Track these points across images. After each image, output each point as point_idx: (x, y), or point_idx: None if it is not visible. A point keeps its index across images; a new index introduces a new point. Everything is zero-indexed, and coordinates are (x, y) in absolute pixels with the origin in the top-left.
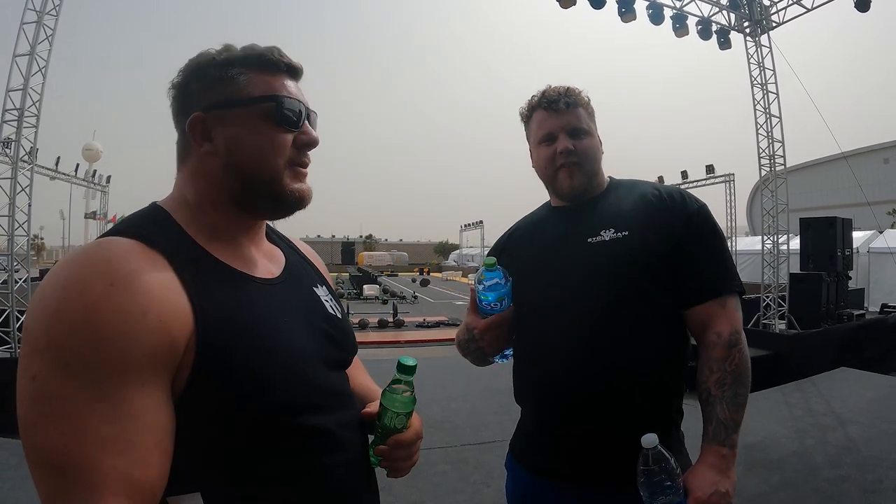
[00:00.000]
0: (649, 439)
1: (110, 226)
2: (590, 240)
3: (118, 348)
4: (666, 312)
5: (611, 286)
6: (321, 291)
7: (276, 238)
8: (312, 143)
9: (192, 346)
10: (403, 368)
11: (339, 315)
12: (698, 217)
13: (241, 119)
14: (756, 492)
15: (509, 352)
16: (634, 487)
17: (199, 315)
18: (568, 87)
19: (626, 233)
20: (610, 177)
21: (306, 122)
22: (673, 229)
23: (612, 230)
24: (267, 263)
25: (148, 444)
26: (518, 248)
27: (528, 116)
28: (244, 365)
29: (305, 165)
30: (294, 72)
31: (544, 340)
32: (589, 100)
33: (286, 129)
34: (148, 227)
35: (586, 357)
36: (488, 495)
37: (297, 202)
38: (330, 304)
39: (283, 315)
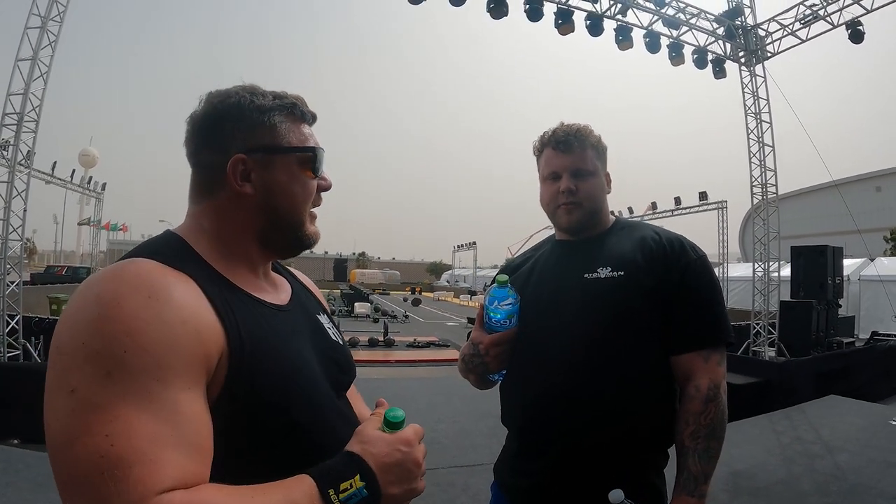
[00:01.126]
0: (616, 495)
1: (104, 233)
2: (586, 275)
3: (161, 354)
4: (654, 355)
5: (601, 322)
6: (323, 319)
7: (280, 269)
8: (329, 187)
9: (225, 360)
10: (392, 424)
11: (341, 342)
12: (696, 266)
13: (282, 165)
14: None
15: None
16: None
17: (229, 332)
18: (578, 128)
19: (622, 273)
20: (616, 217)
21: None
22: (669, 276)
23: (609, 268)
24: (275, 291)
25: (196, 442)
26: (525, 276)
27: (539, 151)
28: (270, 382)
29: (318, 206)
30: (314, 120)
31: (535, 367)
32: (600, 138)
33: (314, 176)
34: (168, 251)
35: (572, 387)
36: None
37: (312, 244)
38: (332, 332)
39: (295, 339)
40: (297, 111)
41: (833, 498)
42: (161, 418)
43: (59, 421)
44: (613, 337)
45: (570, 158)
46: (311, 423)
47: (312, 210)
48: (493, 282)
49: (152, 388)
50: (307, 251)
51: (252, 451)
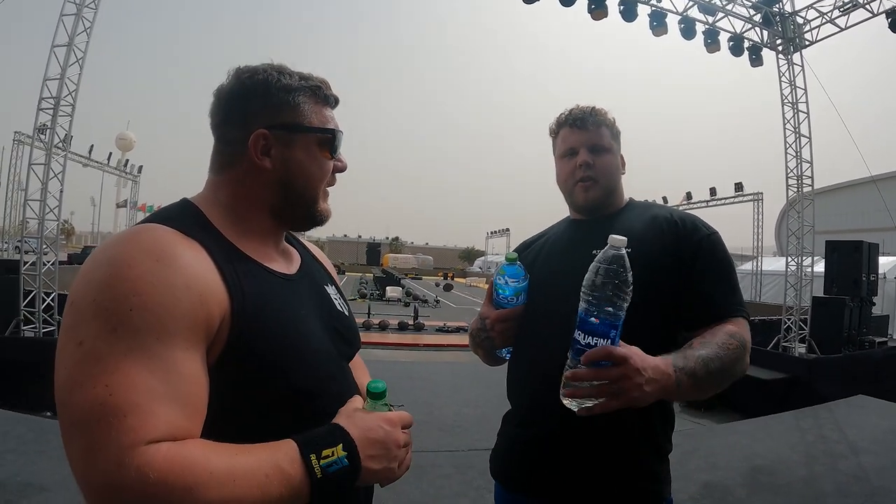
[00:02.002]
0: (618, 240)
1: (140, 215)
2: (594, 252)
3: (164, 315)
4: (661, 332)
5: None
6: (331, 290)
7: (293, 240)
8: (344, 169)
9: (227, 324)
10: (374, 394)
11: (346, 312)
12: (708, 243)
13: (302, 144)
14: None
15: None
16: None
17: (233, 297)
18: (594, 107)
19: (629, 249)
20: (630, 198)
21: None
22: (681, 253)
23: None
24: (285, 261)
25: (190, 400)
26: (534, 254)
27: (555, 132)
28: (270, 347)
29: (332, 186)
30: (336, 104)
31: (542, 345)
32: (614, 121)
33: (331, 156)
34: (183, 219)
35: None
36: (491, 501)
37: (322, 220)
38: (338, 302)
39: (301, 307)
40: (320, 93)
41: (854, 499)
42: (158, 375)
43: (66, 369)
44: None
45: (587, 135)
46: (310, 389)
47: (327, 189)
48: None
49: (153, 346)
50: (338, 234)
51: (249, 412)
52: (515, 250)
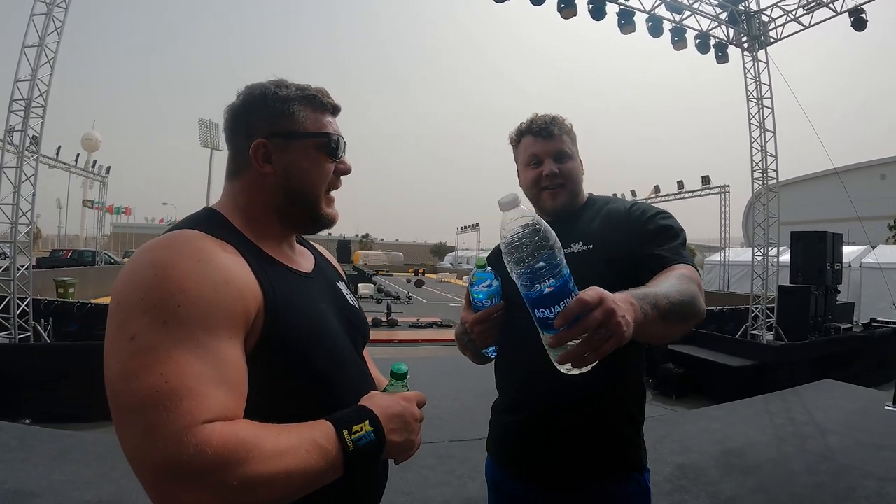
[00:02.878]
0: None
1: (108, 215)
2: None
3: (207, 308)
4: None
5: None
6: (342, 286)
7: (304, 241)
8: (348, 171)
9: (262, 316)
10: (397, 375)
11: (357, 306)
12: (655, 217)
13: (299, 149)
14: (731, 495)
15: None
16: (581, 488)
17: (265, 292)
18: (553, 116)
19: (592, 246)
20: (590, 193)
21: (343, 153)
22: (632, 236)
23: (581, 243)
24: (302, 261)
25: (235, 384)
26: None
27: (516, 141)
28: (298, 337)
29: (337, 188)
30: (336, 111)
31: (521, 345)
32: (572, 127)
33: (331, 159)
34: (210, 224)
35: (547, 360)
36: (473, 488)
37: (328, 224)
38: (349, 297)
39: (320, 302)
40: (317, 101)
41: (821, 477)
42: (206, 362)
43: (119, 363)
44: None
45: (552, 143)
46: (332, 375)
47: (331, 193)
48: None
49: (200, 337)
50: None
51: (281, 396)
52: (493, 251)
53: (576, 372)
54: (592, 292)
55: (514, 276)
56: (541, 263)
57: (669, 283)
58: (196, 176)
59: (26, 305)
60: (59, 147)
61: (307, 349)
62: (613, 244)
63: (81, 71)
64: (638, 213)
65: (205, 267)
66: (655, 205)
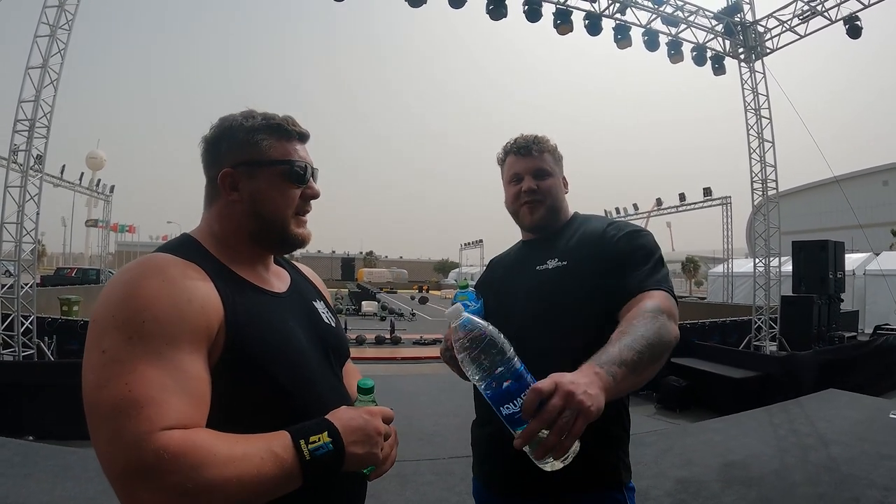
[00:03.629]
0: (453, 311)
1: (113, 234)
2: (538, 267)
3: (170, 324)
4: (603, 333)
5: (550, 309)
6: (319, 305)
7: (283, 261)
8: (315, 196)
9: (223, 330)
10: (363, 390)
11: (333, 325)
12: (630, 237)
13: (263, 176)
14: None
15: None
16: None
17: (227, 309)
18: (536, 136)
19: (566, 262)
20: (576, 212)
21: (311, 178)
22: (606, 254)
23: (556, 259)
24: (276, 281)
25: (196, 394)
26: (492, 276)
27: (502, 160)
28: (260, 352)
29: (306, 213)
30: (303, 137)
31: None
32: (555, 147)
33: (296, 185)
34: (182, 248)
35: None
36: None
37: (299, 244)
38: (326, 316)
39: (288, 320)
40: (281, 130)
41: (823, 488)
42: (168, 373)
43: (93, 373)
44: (561, 322)
45: (532, 161)
46: (296, 390)
47: (301, 217)
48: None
49: (163, 350)
50: (312, 251)
51: (244, 408)
52: (479, 280)
53: (559, 465)
54: (548, 381)
55: (473, 381)
56: (500, 369)
57: (633, 330)
58: (199, 195)
59: (30, 323)
60: (64, 166)
61: (269, 363)
62: (586, 261)
63: (85, 90)
64: (612, 231)
65: (169, 287)
66: (666, 218)
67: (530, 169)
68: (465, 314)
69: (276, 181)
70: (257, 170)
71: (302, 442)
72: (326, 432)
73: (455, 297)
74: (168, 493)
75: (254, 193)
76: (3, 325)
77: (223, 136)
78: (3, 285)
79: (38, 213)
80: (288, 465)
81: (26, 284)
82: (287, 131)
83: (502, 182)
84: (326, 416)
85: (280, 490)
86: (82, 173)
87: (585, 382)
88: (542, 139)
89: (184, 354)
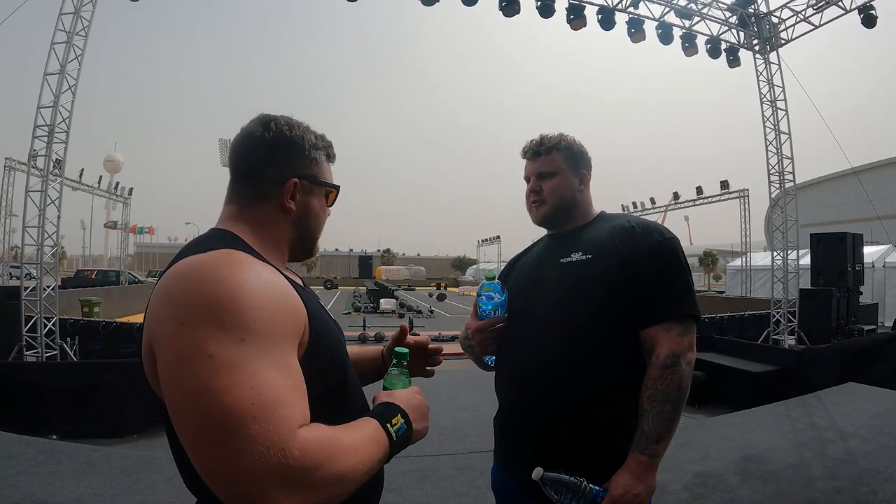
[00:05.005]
0: (536, 473)
1: (131, 236)
2: (562, 260)
3: (279, 323)
4: (623, 330)
5: (573, 301)
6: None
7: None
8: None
9: (307, 329)
10: (400, 355)
11: (337, 322)
12: (660, 248)
13: (318, 194)
14: (749, 501)
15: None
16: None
17: (308, 308)
18: (543, 137)
19: (590, 256)
20: (603, 211)
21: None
22: (634, 257)
23: (581, 253)
24: (296, 281)
25: (304, 390)
26: (517, 266)
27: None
28: (328, 347)
29: None
30: (333, 160)
31: (519, 347)
32: (572, 143)
33: (328, 208)
34: (244, 247)
35: (549, 365)
36: (491, 499)
37: (311, 255)
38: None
39: (325, 314)
40: (331, 153)
41: (841, 482)
42: (285, 372)
43: (201, 382)
44: (583, 315)
45: (537, 163)
46: (351, 381)
47: None
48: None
49: (275, 350)
50: (329, 249)
51: (322, 398)
52: (504, 269)
53: None
54: (609, 498)
55: None
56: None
57: (657, 396)
58: (217, 195)
59: (52, 325)
60: (83, 169)
61: (334, 357)
62: (611, 255)
63: (102, 93)
64: (643, 233)
65: (268, 286)
66: (683, 212)
67: (535, 170)
68: None
69: (323, 200)
70: (315, 186)
71: (388, 425)
72: (399, 414)
73: (480, 289)
74: (314, 490)
75: (307, 207)
76: (26, 326)
77: (290, 143)
78: (26, 288)
79: (58, 217)
80: (384, 446)
81: (48, 287)
82: (332, 155)
83: None
84: (386, 400)
85: (377, 469)
86: (101, 176)
87: (634, 484)
88: (551, 138)
89: (289, 352)
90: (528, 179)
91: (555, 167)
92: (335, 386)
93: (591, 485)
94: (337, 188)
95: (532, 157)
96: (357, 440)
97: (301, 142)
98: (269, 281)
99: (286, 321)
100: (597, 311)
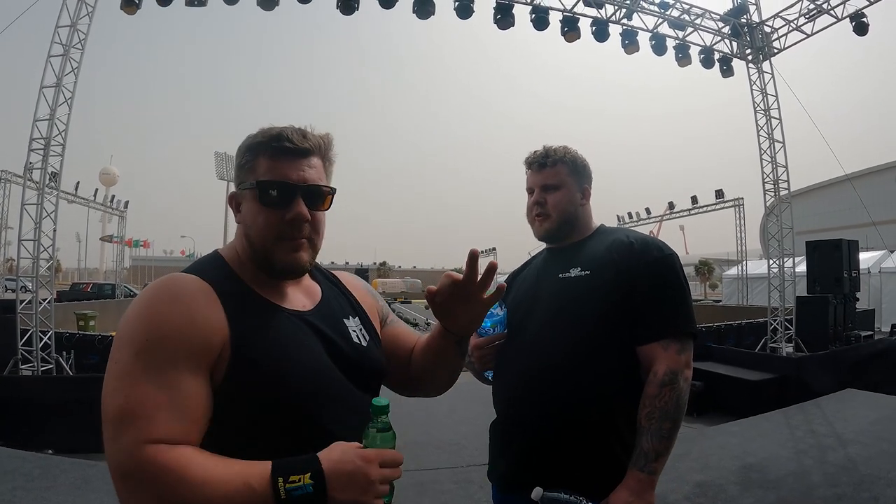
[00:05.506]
0: (535, 493)
1: (127, 249)
2: (560, 276)
3: (171, 343)
4: (621, 344)
5: (571, 315)
6: (351, 322)
7: (319, 275)
8: (297, 219)
9: (227, 351)
10: (376, 409)
11: (364, 343)
12: (658, 264)
13: (247, 199)
14: None
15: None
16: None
17: (233, 329)
18: (548, 149)
19: (589, 272)
20: (602, 224)
21: (300, 199)
22: (631, 272)
23: (579, 268)
24: (302, 298)
25: (188, 412)
26: (517, 281)
27: (526, 172)
28: (265, 370)
29: (297, 238)
30: (300, 153)
31: (517, 359)
32: (575, 157)
33: (272, 209)
34: (206, 267)
35: (544, 376)
36: None
37: (286, 271)
38: (356, 334)
39: (304, 339)
40: (277, 145)
41: (842, 489)
42: (163, 391)
43: (107, 382)
44: (581, 329)
45: (541, 175)
46: (301, 412)
47: (290, 242)
48: None
49: (163, 367)
50: (325, 262)
51: (249, 427)
52: (507, 279)
53: None
54: None
55: None
56: None
57: (654, 413)
58: (213, 208)
59: (48, 338)
60: (78, 182)
61: (273, 384)
62: (609, 271)
63: (97, 105)
64: (641, 249)
65: (174, 307)
66: (679, 222)
67: (540, 182)
68: None
69: (253, 205)
70: (245, 192)
71: (280, 480)
72: (309, 473)
73: None
74: (144, 500)
75: (244, 216)
76: (22, 340)
77: (235, 156)
78: (22, 301)
79: (54, 230)
80: (261, 499)
81: (44, 300)
82: (281, 148)
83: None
84: (319, 454)
85: None
86: (96, 189)
87: (634, 500)
88: (557, 151)
89: (182, 373)
90: (531, 191)
91: (559, 180)
92: (275, 419)
93: (590, 503)
94: (255, 184)
95: (538, 169)
96: (218, 478)
97: (239, 151)
98: (181, 303)
99: (183, 343)
100: (595, 325)
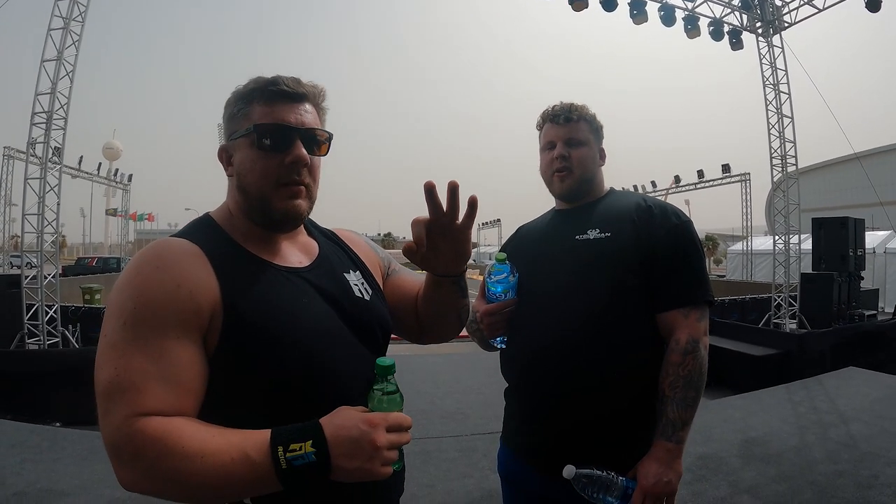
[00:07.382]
0: (567, 471)
1: (131, 223)
2: (577, 237)
3: (158, 311)
4: (640, 309)
5: (590, 279)
6: (352, 277)
7: (316, 232)
8: (297, 161)
9: (219, 315)
10: (381, 369)
11: (367, 297)
12: (678, 231)
13: (242, 147)
14: (751, 483)
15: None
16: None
17: (225, 291)
18: (572, 104)
19: (609, 234)
20: (612, 187)
21: (299, 141)
22: (651, 238)
23: (598, 230)
24: (298, 254)
25: (180, 381)
26: (522, 244)
27: (540, 127)
28: (260, 331)
29: (296, 183)
30: (294, 97)
31: (532, 325)
32: (595, 116)
33: (270, 153)
34: (195, 230)
35: (565, 343)
36: (495, 481)
37: (284, 220)
38: (358, 288)
39: (301, 297)
40: (259, 93)
41: (843, 465)
42: (152, 360)
43: (98, 354)
44: (603, 293)
45: (566, 129)
46: (305, 374)
47: (288, 188)
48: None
49: (149, 336)
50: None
51: (248, 394)
52: (502, 250)
53: None
54: (639, 491)
55: None
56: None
57: (678, 381)
58: (216, 180)
59: (54, 312)
60: (81, 157)
61: (273, 347)
62: (629, 234)
63: (100, 80)
64: (660, 215)
65: (160, 273)
66: (685, 195)
67: (563, 136)
68: None
69: (249, 151)
70: (237, 141)
71: (280, 449)
72: (311, 441)
73: (492, 272)
74: (138, 474)
75: (238, 166)
76: (27, 315)
77: (224, 109)
78: (27, 276)
79: (58, 204)
80: (261, 470)
81: (49, 274)
82: (266, 92)
83: (539, 148)
84: (321, 420)
85: (255, 491)
86: (100, 163)
87: (664, 471)
88: (580, 107)
89: (172, 341)
90: (551, 146)
91: (584, 136)
92: (276, 383)
93: (621, 477)
94: (252, 128)
95: (563, 122)
96: (214, 449)
97: (229, 105)
98: (167, 268)
99: (170, 309)
100: (616, 289)
